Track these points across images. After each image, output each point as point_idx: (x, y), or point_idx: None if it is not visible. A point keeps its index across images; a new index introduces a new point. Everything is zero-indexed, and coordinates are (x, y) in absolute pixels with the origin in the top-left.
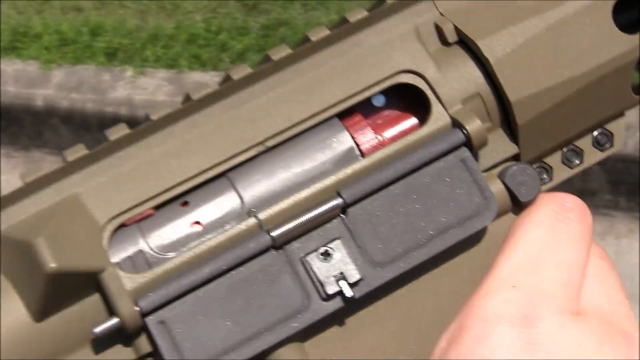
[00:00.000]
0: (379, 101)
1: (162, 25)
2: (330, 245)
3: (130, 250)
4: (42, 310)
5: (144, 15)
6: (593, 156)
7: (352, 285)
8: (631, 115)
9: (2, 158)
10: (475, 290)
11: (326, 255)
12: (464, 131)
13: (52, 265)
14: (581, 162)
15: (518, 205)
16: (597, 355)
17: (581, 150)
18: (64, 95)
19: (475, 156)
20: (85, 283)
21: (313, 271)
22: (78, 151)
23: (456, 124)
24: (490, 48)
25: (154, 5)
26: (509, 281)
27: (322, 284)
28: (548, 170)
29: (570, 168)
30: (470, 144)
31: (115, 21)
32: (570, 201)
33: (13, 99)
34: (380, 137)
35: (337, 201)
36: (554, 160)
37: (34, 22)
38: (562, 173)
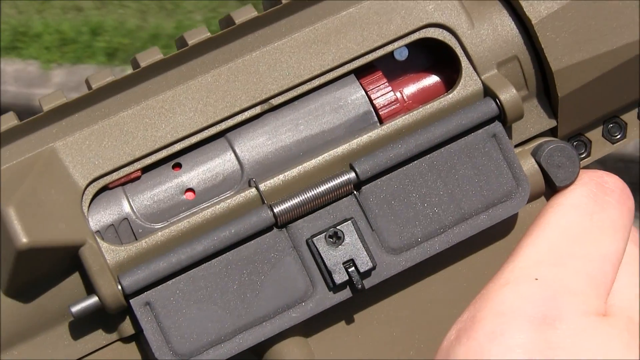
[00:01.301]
0: (401, 54)
1: (162, 25)
2: (340, 226)
3: (113, 217)
4: (13, 286)
5: (144, 15)
6: (637, 129)
7: (363, 275)
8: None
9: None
10: (492, 279)
11: (335, 238)
12: (498, 102)
13: (24, 240)
14: (624, 135)
15: (552, 189)
16: None
17: (625, 123)
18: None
19: (509, 130)
20: (62, 257)
21: (320, 256)
22: (56, 99)
23: (488, 92)
24: (533, 6)
25: (154, 5)
26: (531, 273)
27: (329, 271)
28: (586, 144)
29: (612, 142)
30: (504, 117)
31: (115, 21)
32: (611, 182)
33: (13, 99)
34: (401, 99)
35: (350, 176)
36: (594, 134)
37: (34, 21)
38: (602, 148)
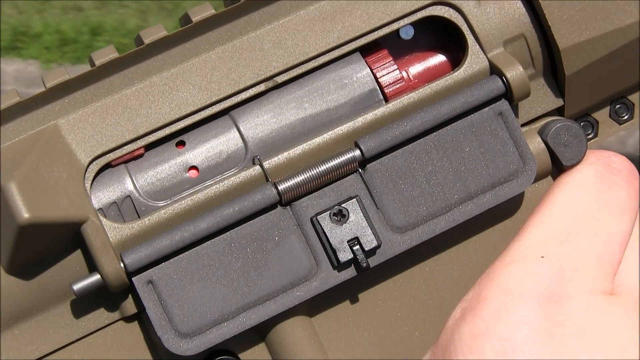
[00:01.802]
0: (407, 33)
1: (162, 25)
2: (345, 204)
3: (116, 195)
4: (15, 263)
5: (145, 15)
6: None
7: (367, 253)
8: None
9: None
10: (498, 257)
11: (340, 216)
12: (504, 79)
13: (26, 215)
14: (631, 116)
15: (559, 169)
16: (630, 340)
17: (632, 104)
18: None
19: (515, 109)
20: (64, 234)
21: (324, 234)
22: (59, 76)
23: (495, 70)
24: None
25: (154, 5)
26: (538, 250)
27: (333, 250)
28: (593, 125)
29: (619, 123)
30: (510, 95)
31: (115, 21)
32: (618, 162)
33: None
34: (407, 78)
35: (355, 153)
36: (601, 114)
37: (34, 21)
38: (609, 129)
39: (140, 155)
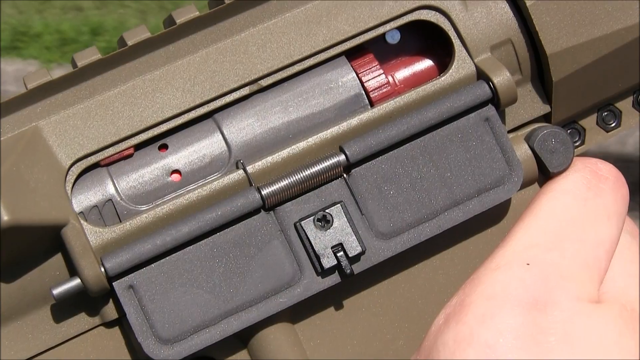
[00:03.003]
0: (394, 37)
1: (162, 25)
2: (329, 210)
3: (97, 198)
4: None
5: (144, 15)
6: (632, 118)
7: (352, 259)
8: None
9: None
10: (483, 263)
11: (324, 221)
12: (491, 84)
13: (5, 218)
14: (618, 124)
15: (546, 175)
16: (615, 348)
17: (620, 111)
18: None
19: (502, 115)
20: (44, 237)
21: (308, 240)
22: (41, 77)
23: (482, 75)
24: None
25: (154, 5)
26: (524, 256)
27: (317, 256)
28: (580, 132)
29: (606, 131)
30: (497, 100)
31: (115, 21)
32: (605, 169)
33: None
34: (392, 82)
35: (340, 158)
36: (589, 122)
37: (34, 21)
38: (596, 136)
39: (123, 158)
